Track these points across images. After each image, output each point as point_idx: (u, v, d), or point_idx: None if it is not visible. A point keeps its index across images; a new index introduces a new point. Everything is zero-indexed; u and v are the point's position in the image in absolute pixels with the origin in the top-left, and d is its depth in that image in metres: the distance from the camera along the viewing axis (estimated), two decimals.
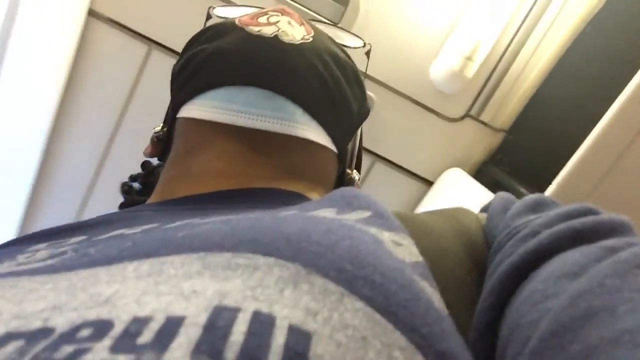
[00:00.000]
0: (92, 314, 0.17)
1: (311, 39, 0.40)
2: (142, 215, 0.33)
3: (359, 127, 0.46)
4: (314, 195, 0.41)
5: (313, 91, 0.39)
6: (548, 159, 1.14)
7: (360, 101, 0.44)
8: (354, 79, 0.43)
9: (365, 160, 1.39)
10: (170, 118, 0.43)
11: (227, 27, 0.40)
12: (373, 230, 0.25)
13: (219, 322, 0.16)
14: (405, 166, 1.39)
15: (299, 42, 0.39)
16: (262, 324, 0.16)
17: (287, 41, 0.39)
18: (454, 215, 0.35)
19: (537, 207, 0.32)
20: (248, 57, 0.38)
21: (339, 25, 1.25)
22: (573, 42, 1.20)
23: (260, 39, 0.38)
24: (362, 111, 0.45)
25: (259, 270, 0.19)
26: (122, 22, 1.16)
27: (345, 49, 0.45)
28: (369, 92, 1.29)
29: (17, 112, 1.09)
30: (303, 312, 0.17)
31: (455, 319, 0.23)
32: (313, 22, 0.45)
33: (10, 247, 0.30)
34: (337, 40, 0.46)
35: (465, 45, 1.19)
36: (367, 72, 1.29)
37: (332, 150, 0.42)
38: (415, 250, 0.26)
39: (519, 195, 0.35)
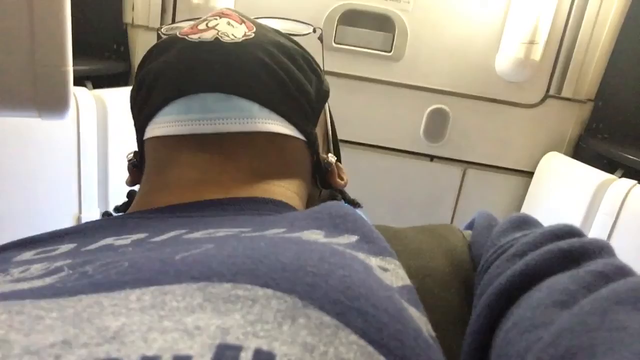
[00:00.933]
0: (101, 353, 0.17)
1: (253, 35, 0.41)
2: (128, 223, 0.33)
3: (321, 109, 0.45)
4: (292, 197, 0.41)
5: (264, 84, 0.39)
6: None
7: (317, 84, 0.44)
8: (305, 63, 0.43)
9: (456, 170, 1.38)
10: (139, 142, 0.44)
11: (170, 42, 0.41)
12: (361, 256, 0.26)
13: None
14: (499, 164, 1.36)
15: (241, 39, 0.40)
16: None
17: (228, 41, 0.39)
18: (441, 233, 0.36)
19: (522, 225, 0.32)
20: (193, 66, 0.39)
21: (390, 53, 1.29)
22: None
23: (201, 45, 0.39)
24: (321, 93, 0.45)
25: (258, 303, 0.20)
26: None
27: (296, 37, 0.45)
28: (441, 105, 1.31)
29: None
30: (301, 348, 0.18)
31: (442, 340, 0.24)
32: (256, 19, 0.45)
33: None
34: (289, 32, 0.46)
35: (523, 31, 1.17)
36: (433, 87, 1.31)
37: (299, 139, 0.42)
38: (402, 273, 0.27)
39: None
